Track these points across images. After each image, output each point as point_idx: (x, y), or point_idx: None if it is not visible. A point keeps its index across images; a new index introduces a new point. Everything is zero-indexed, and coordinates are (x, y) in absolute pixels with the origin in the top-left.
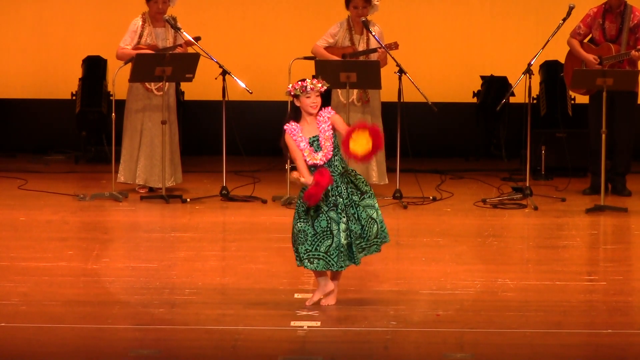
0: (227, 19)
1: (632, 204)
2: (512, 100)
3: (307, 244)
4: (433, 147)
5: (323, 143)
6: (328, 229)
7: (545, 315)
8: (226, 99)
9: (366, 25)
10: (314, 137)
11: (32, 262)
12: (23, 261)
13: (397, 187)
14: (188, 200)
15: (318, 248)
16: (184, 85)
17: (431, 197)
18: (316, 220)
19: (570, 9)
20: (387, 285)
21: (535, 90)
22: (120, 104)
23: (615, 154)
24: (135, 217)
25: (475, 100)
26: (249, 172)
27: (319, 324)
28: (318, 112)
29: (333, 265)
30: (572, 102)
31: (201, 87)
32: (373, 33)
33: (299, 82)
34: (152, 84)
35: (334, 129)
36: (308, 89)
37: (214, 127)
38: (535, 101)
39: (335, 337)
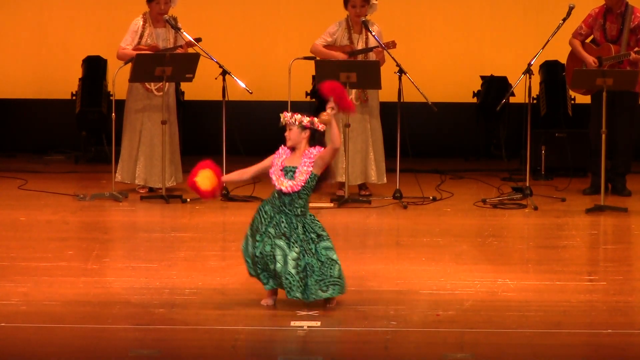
0: (227, 19)
1: (632, 204)
2: (512, 100)
3: (260, 267)
4: (433, 147)
5: (297, 176)
6: (271, 254)
7: (545, 315)
8: (226, 99)
9: (366, 25)
10: (292, 167)
11: (32, 262)
12: (23, 261)
13: (397, 187)
14: (188, 200)
15: (269, 270)
16: (184, 85)
17: (431, 197)
18: (259, 245)
19: (570, 9)
20: (387, 285)
21: (535, 90)
22: (120, 104)
23: (615, 154)
24: (135, 217)
25: (475, 100)
26: None
27: (319, 324)
28: (309, 148)
29: (289, 290)
30: (572, 102)
31: (201, 87)
32: (373, 33)
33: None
34: (152, 84)
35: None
36: (281, 121)
37: (214, 127)
38: (535, 101)
39: (335, 337)
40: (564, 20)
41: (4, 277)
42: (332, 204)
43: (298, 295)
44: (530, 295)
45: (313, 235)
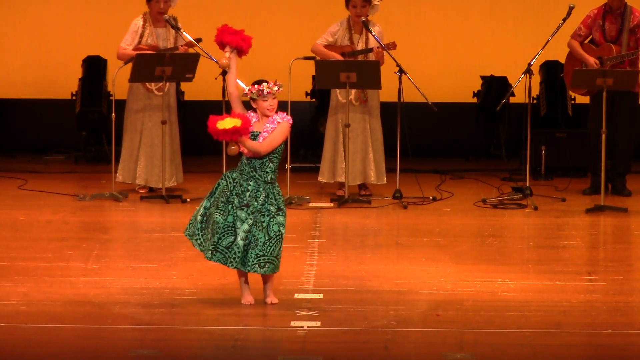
0: (227, 19)
1: (632, 204)
2: (512, 100)
3: (217, 235)
4: (433, 147)
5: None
6: (232, 226)
7: (545, 315)
8: (226, 99)
9: (366, 25)
10: (256, 132)
11: (32, 262)
12: (23, 261)
13: (397, 187)
14: (188, 200)
15: (220, 241)
16: (184, 85)
17: (431, 197)
18: (224, 214)
19: (570, 9)
20: (387, 285)
21: (535, 90)
22: (120, 104)
23: (615, 154)
24: (135, 217)
25: (475, 100)
26: None
27: (319, 324)
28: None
29: (232, 262)
30: (572, 102)
31: (201, 87)
32: (373, 33)
33: (256, 86)
34: (153, 84)
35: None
36: (265, 93)
37: None
38: (535, 101)
39: (335, 337)
40: (564, 20)
41: (4, 277)
42: (332, 204)
43: (239, 266)
44: (530, 295)
45: (272, 208)
